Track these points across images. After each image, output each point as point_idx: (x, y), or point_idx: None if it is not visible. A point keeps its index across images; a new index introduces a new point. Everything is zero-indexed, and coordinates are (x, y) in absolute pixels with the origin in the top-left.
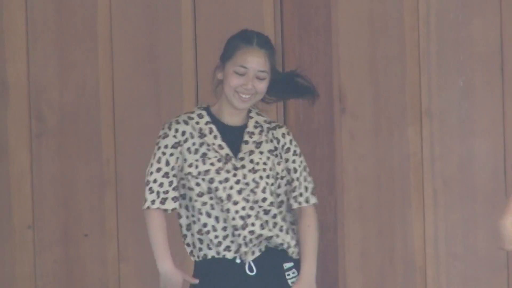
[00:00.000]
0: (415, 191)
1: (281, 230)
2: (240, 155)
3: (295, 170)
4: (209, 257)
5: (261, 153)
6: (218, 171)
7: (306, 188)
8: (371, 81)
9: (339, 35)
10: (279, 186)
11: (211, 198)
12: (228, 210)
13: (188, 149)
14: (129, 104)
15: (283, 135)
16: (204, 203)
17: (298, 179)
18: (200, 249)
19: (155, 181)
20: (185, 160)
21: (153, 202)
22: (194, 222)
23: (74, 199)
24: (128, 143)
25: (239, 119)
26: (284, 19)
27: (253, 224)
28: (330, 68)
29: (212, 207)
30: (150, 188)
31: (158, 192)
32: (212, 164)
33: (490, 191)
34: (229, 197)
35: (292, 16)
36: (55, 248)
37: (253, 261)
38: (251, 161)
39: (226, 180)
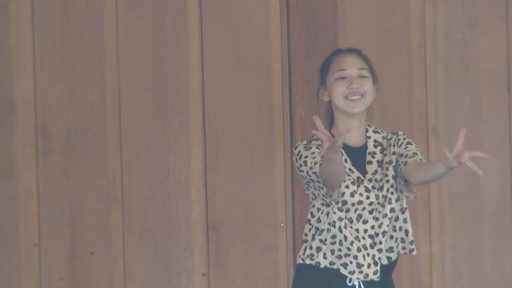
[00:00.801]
0: (422, 210)
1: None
2: (368, 176)
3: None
4: (321, 266)
5: (382, 168)
6: (352, 195)
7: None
8: (378, 99)
9: None
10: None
11: (342, 219)
12: (357, 230)
13: None
14: (136, 123)
15: (397, 138)
16: (341, 219)
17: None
18: (317, 256)
19: (313, 154)
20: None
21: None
22: (322, 231)
23: (81, 217)
24: (135, 161)
25: (359, 138)
26: (291, 36)
27: (380, 242)
28: None
29: (345, 226)
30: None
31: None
32: (347, 187)
33: (496, 209)
34: (359, 217)
35: (299, 33)
36: (61, 266)
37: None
38: (376, 180)
39: (359, 202)
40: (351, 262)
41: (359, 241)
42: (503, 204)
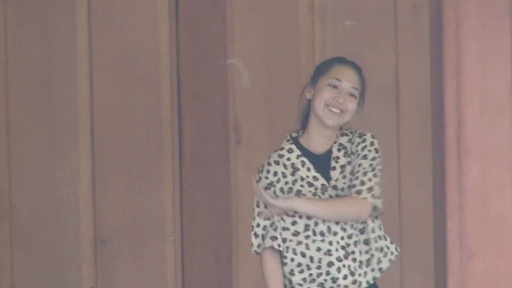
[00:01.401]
0: None
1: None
2: (332, 183)
3: (359, 167)
4: None
5: (344, 177)
6: None
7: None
8: (267, 113)
9: (235, 67)
10: None
11: (307, 237)
12: (330, 243)
13: (281, 189)
14: (24, 136)
15: (358, 144)
16: (300, 243)
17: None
18: None
19: (258, 225)
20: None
21: (259, 246)
22: (285, 264)
23: None
24: (23, 175)
25: (327, 146)
26: (180, 51)
27: (353, 252)
28: (226, 99)
29: (307, 247)
30: (255, 233)
31: (262, 235)
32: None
33: (384, 221)
34: (329, 229)
35: (188, 48)
36: None
37: None
38: (342, 188)
39: None
40: (326, 280)
41: (330, 255)
42: (390, 215)
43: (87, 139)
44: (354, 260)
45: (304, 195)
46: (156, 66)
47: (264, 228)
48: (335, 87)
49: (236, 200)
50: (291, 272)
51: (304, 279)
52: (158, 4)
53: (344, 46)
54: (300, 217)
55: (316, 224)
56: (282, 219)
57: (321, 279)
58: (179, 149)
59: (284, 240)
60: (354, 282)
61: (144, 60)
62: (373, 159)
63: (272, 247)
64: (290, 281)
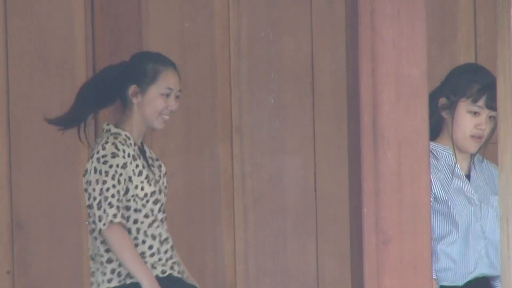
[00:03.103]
0: (226, 208)
1: None
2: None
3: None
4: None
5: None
6: (160, 192)
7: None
8: (182, 98)
9: None
10: None
11: (154, 220)
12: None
13: (133, 170)
14: None
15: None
16: (150, 225)
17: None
18: None
19: (113, 196)
20: (131, 181)
21: (115, 216)
22: (136, 246)
23: None
24: None
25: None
26: (95, 37)
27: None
28: None
29: (157, 229)
30: (110, 203)
31: (118, 207)
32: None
33: (300, 208)
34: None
35: (103, 33)
36: None
37: None
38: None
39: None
40: (175, 263)
41: (168, 243)
42: (306, 202)
43: (4, 125)
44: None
45: (151, 179)
46: (72, 52)
47: (119, 200)
48: (167, 95)
49: None
50: (143, 255)
51: (158, 261)
52: None
53: (258, 31)
54: (148, 201)
55: (159, 210)
56: (134, 200)
57: (171, 262)
58: (95, 135)
59: (135, 221)
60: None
61: (59, 47)
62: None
63: (121, 224)
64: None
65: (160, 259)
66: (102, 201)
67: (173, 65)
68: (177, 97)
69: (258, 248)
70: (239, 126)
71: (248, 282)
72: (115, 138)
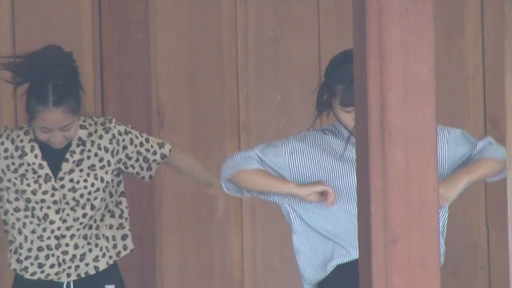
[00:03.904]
0: (233, 206)
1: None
2: (60, 174)
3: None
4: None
5: (81, 170)
6: (34, 192)
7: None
8: (190, 96)
9: (158, 49)
10: (111, 195)
11: (26, 217)
12: (44, 230)
13: (8, 166)
14: None
15: (111, 141)
16: (18, 219)
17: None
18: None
19: None
20: (4, 174)
21: None
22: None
23: None
24: None
25: None
26: (103, 33)
27: (67, 245)
28: (149, 83)
29: (24, 225)
30: None
31: None
32: (28, 185)
33: None
34: (46, 216)
35: (110, 30)
36: None
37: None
38: (71, 180)
39: (43, 200)
40: (32, 264)
41: (43, 241)
42: None
43: (11, 122)
44: (65, 252)
45: (27, 179)
46: (79, 49)
47: None
48: (46, 132)
49: (160, 183)
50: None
51: (17, 260)
52: None
53: (266, 29)
54: (22, 196)
55: (34, 209)
56: (7, 192)
57: (27, 263)
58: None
59: (6, 213)
60: (57, 273)
61: (67, 43)
62: (140, 136)
63: None
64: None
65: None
66: None
67: (57, 104)
68: (65, 130)
69: (266, 246)
70: (246, 123)
71: (256, 279)
72: (10, 130)
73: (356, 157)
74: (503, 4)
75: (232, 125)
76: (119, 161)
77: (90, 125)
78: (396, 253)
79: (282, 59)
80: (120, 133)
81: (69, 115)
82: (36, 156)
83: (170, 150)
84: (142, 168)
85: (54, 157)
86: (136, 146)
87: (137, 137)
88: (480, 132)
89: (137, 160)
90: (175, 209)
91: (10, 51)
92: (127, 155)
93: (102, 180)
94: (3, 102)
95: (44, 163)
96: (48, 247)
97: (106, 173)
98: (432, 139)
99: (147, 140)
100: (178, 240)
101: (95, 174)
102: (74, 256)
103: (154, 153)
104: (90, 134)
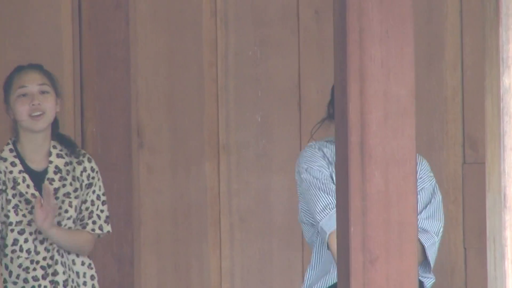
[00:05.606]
0: (212, 226)
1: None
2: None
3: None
4: None
5: (57, 198)
6: (30, 223)
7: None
8: (170, 116)
9: (138, 69)
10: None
11: (13, 251)
12: (32, 262)
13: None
14: None
15: (81, 173)
16: (6, 255)
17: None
18: None
19: None
20: (2, 208)
21: None
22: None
23: None
24: None
25: (42, 159)
26: (83, 53)
27: (54, 274)
28: (129, 102)
29: (11, 261)
30: None
31: None
32: (24, 215)
33: (286, 227)
34: (35, 247)
35: (91, 50)
36: None
37: None
38: None
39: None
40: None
41: (28, 272)
42: (293, 221)
43: None
44: (52, 282)
45: (21, 210)
46: (59, 68)
47: None
48: (24, 94)
49: (138, 203)
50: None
51: None
52: (62, 6)
53: (246, 50)
54: (12, 231)
55: (26, 241)
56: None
57: None
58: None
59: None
60: None
61: (47, 62)
62: (102, 189)
63: None
64: None
65: None
66: None
67: (28, 66)
68: (42, 92)
69: (244, 266)
70: (226, 144)
71: None
72: None
73: (335, 178)
74: (483, 25)
75: (211, 145)
76: (83, 195)
77: (67, 154)
78: (375, 274)
79: (262, 80)
80: (92, 170)
81: (46, 80)
82: (28, 186)
83: (108, 232)
84: (82, 218)
85: (39, 185)
86: (94, 192)
87: (99, 189)
88: (458, 154)
89: (87, 208)
90: (153, 228)
91: None
92: (87, 194)
93: (75, 209)
94: None
95: (37, 193)
96: (35, 278)
97: (77, 201)
98: (412, 160)
99: (103, 202)
100: (156, 260)
101: (70, 202)
102: (65, 284)
103: (98, 218)
104: (66, 164)
